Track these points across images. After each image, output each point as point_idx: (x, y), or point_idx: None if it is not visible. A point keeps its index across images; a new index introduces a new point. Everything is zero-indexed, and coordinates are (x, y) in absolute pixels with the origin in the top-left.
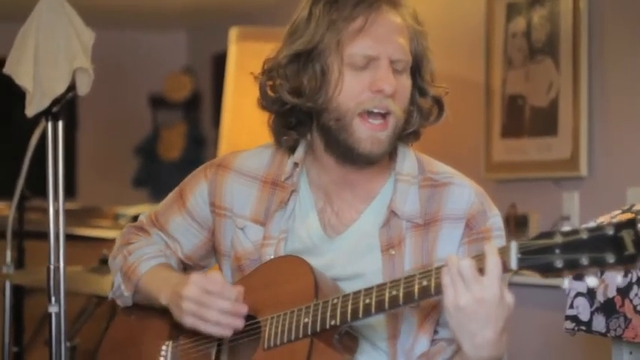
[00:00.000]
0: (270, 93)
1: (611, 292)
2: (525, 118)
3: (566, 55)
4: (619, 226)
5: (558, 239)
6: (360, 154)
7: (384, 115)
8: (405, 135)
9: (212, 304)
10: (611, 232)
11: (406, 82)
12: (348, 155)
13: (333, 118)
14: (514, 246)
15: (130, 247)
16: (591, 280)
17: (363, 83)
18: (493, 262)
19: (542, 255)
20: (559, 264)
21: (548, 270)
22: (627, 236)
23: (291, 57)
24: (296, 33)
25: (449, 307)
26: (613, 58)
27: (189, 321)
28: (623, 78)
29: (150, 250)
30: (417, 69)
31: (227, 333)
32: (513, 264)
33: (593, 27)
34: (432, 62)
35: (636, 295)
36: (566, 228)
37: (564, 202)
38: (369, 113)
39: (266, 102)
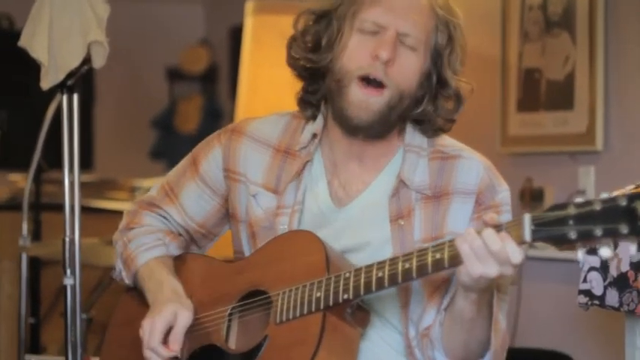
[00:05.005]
0: (293, 54)
1: (625, 267)
2: (541, 92)
3: (583, 28)
4: (632, 198)
5: (572, 211)
6: (348, 117)
7: (381, 86)
8: (416, 117)
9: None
10: (624, 203)
11: (412, 58)
12: (343, 122)
13: (334, 80)
14: (527, 218)
15: (131, 234)
16: (605, 251)
17: (366, 49)
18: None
19: (555, 227)
20: (573, 235)
21: (562, 241)
22: None
23: (314, 18)
24: None
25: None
26: (630, 31)
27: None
28: (639, 51)
29: (148, 240)
30: (437, 56)
31: None
32: (527, 236)
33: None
34: (459, 56)
35: None
36: (579, 199)
37: (580, 176)
38: (368, 80)
39: (290, 60)
